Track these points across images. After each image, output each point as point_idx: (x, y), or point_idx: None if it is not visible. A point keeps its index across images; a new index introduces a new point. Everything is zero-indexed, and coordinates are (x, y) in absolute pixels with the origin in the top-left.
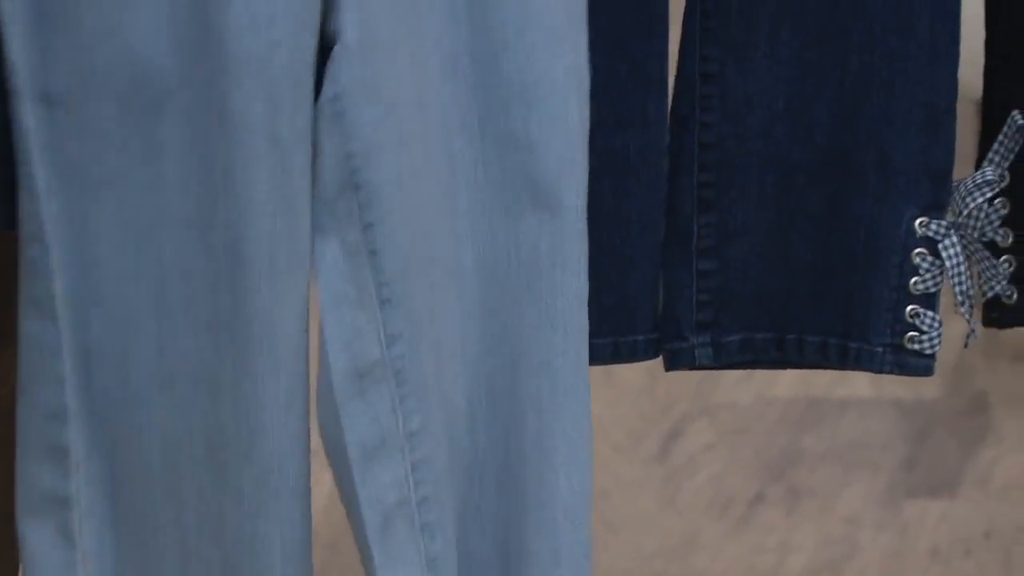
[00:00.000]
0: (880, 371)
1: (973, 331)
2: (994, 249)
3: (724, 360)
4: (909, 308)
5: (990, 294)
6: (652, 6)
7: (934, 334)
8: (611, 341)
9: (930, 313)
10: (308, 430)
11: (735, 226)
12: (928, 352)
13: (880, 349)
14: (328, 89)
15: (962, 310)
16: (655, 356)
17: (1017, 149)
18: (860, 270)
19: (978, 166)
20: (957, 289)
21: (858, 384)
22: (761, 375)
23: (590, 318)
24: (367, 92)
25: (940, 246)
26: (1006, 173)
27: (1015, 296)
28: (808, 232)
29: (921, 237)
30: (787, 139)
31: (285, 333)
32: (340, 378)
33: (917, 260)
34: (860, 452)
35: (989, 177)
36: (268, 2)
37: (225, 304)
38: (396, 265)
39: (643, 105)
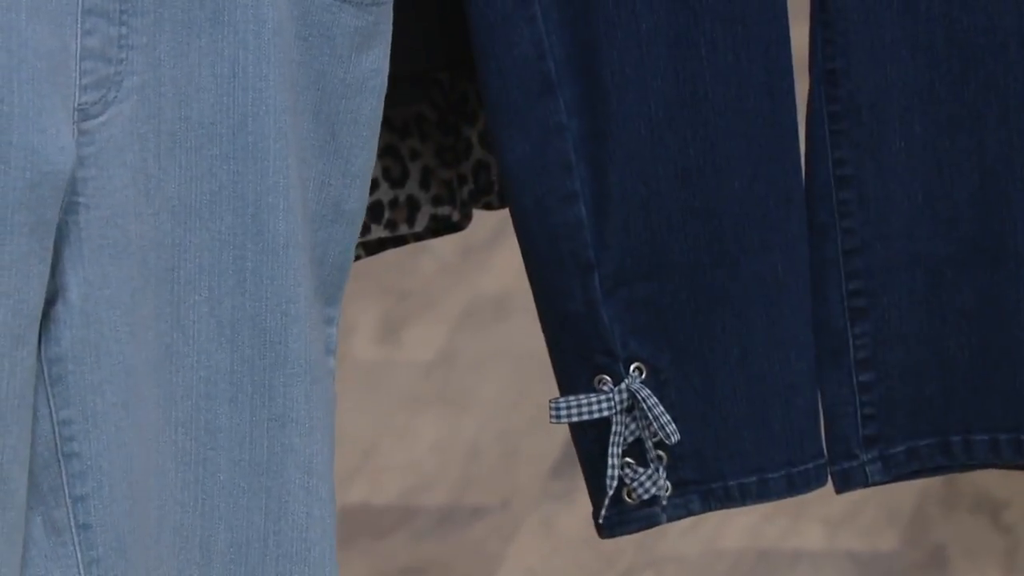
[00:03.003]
0: None
1: None
2: None
3: (893, 473)
4: None
5: None
6: (784, 125)
7: None
8: (784, 474)
9: None
10: None
11: (889, 332)
12: None
13: None
14: (49, 351)
15: None
16: (824, 483)
17: None
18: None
19: None
20: None
21: (810, 535)
22: (709, 526)
23: (759, 454)
24: (92, 355)
25: None
26: None
27: None
28: (963, 328)
29: None
30: (931, 235)
31: None
32: None
33: None
34: None
35: None
36: None
37: None
38: (112, 542)
39: (785, 221)
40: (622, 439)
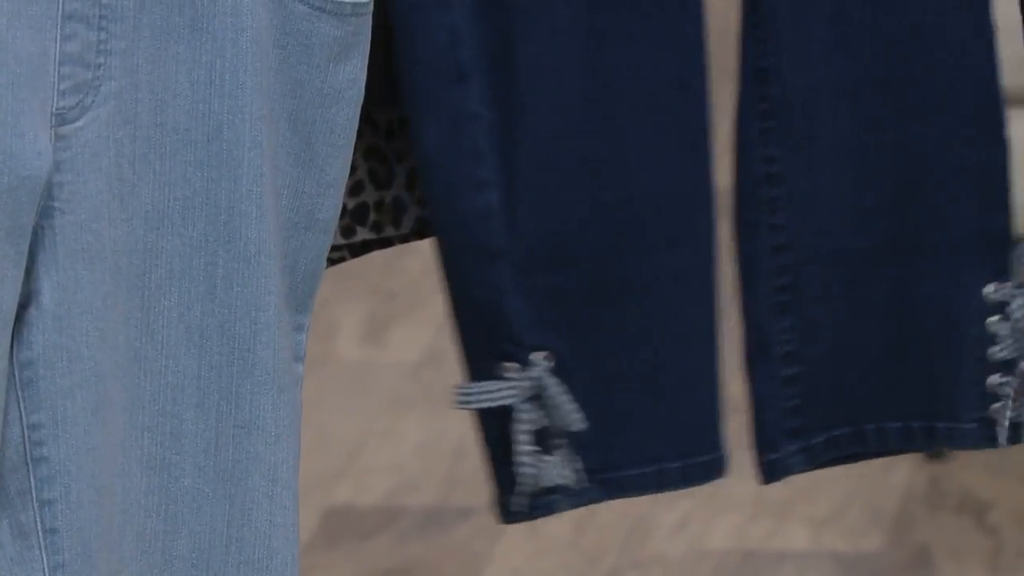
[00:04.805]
0: (974, 447)
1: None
2: None
3: (814, 463)
4: (992, 378)
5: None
6: (696, 122)
7: (1021, 401)
8: (680, 465)
9: (1012, 380)
10: None
11: (812, 326)
12: (1018, 420)
13: (970, 425)
14: (21, 354)
15: None
16: (723, 475)
17: None
18: (939, 349)
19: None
20: None
21: (795, 536)
22: (694, 527)
23: (656, 443)
24: (64, 360)
25: (1009, 308)
26: None
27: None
28: (882, 320)
29: (993, 303)
30: (852, 229)
31: None
32: None
33: (993, 328)
34: None
35: None
36: None
37: None
38: (77, 546)
39: (693, 218)
40: (528, 427)
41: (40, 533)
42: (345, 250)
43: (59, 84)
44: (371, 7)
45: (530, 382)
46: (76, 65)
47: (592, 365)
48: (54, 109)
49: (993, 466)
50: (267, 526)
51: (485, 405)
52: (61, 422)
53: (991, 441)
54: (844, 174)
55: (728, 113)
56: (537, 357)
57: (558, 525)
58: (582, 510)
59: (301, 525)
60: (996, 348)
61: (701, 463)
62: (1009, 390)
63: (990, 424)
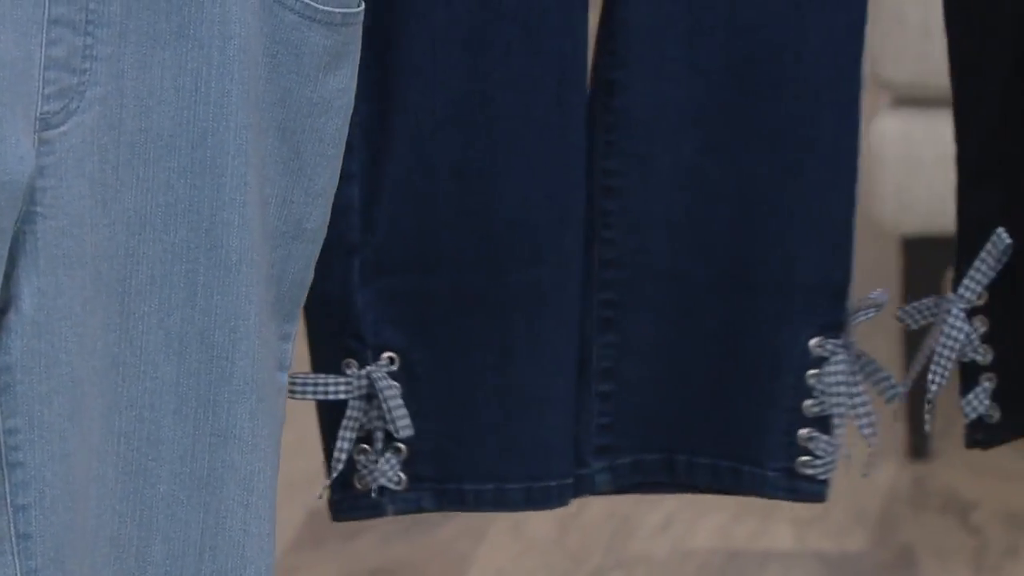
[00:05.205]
0: (773, 496)
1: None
2: (974, 368)
3: (619, 484)
4: (803, 431)
5: (972, 415)
6: (570, 140)
7: (828, 459)
8: (524, 487)
9: (824, 437)
10: None
11: (633, 345)
12: (821, 478)
13: (773, 474)
14: None
15: (865, 432)
16: (567, 503)
17: (999, 268)
18: (755, 391)
19: (956, 282)
20: (837, 409)
21: (780, 536)
22: (678, 527)
23: (502, 463)
24: (42, 365)
25: (827, 364)
26: (984, 292)
27: (998, 415)
28: (706, 351)
29: (815, 358)
30: (689, 255)
31: None
32: None
33: (811, 381)
34: None
35: (967, 295)
36: None
37: None
38: (50, 552)
39: (559, 237)
40: (356, 424)
41: (13, 538)
42: None
43: (44, 89)
44: (361, 17)
45: (364, 380)
46: (61, 70)
47: (441, 374)
48: (38, 114)
49: (977, 466)
50: (241, 535)
51: (313, 397)
52: (37, 427)
53: (791, 493)
54: (682, 197)
55: None
56: (382, 357)
57: (542, 525)
58: (566, 509)
59: (286, 524)
60: (810, 402)
61: (545, 488)
62: (820, 445)
63: (792, 476)
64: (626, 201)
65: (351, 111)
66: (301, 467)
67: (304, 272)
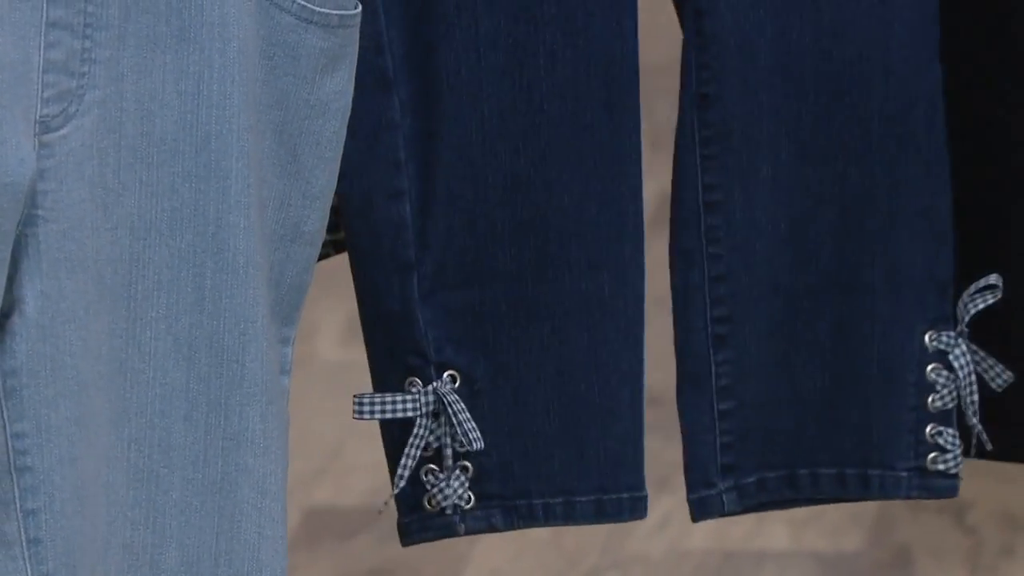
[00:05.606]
0: (907, 497)
1: (983, 440)
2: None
3: (745, 504)
4: (930, 427)
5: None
6: (624, 145)
7: (957, 451)
8: (594, 499)
9: (950, 430)
10: None
11: (748, 361)
12: (953, 471)
13: (905, 474)
14: (4, 363)
15: (975, 420)
16: (643, 515)
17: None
18: (876, 394)
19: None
20: (970, 399)
21: (775, 536)
22: (674, 527)
23: (569, 476)
24: (47, 369)
25: (951, 357)
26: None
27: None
28: (816, 360)
29: (933, 352)
30: (791, 264)
31: None
32: None
33: (932, 376)
34: None
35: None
36: None
37: None
38: (61, 556)
39: (617, 243)
40: (422, 442)
41: (24, 543)
42: (330, 246)
43: (43, 92)
44: (359, 19)
45: (431, 397)
46: (60, 73)
47: (504, 389)
48: (38, 117)
49: (973, 466)
50: (256, 538)
51: (382, 417)
52: (45, 431)
53: (925, 491)
54: (783, 207)
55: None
56: (444, 374)
57: None
58: None
59: None
60: (934, 396)
61: (616, 500)
62: (948, 439)
63: (924, 473)
64: (730, 215)
65: (348, 113)
66: (298, 467)
67: (302, 275)
